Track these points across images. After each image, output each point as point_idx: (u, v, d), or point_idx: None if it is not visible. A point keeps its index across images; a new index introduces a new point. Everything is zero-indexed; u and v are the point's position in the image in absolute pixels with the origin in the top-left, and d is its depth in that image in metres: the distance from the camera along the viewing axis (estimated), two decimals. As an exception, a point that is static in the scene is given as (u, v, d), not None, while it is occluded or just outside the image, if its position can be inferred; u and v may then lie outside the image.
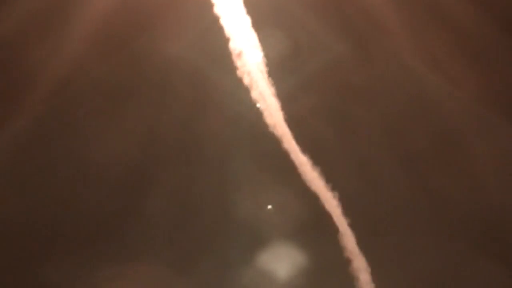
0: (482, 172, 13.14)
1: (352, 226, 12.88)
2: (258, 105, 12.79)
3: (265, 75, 12.82)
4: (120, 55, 13.33)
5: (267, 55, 12.76)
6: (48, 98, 13.31)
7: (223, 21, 12.68)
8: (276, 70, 12.80)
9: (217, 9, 12.56)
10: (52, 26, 13.10)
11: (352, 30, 13.19)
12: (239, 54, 12.78)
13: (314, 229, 13.01)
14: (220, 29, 12.67)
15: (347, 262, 12.86)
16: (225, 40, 12.71)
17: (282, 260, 13.00)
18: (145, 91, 13.41)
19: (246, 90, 12.79)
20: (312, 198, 12.91)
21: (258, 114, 12.87)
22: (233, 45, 12.76)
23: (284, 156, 12.89)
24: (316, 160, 12.89)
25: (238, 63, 12.78)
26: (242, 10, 12.55)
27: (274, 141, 12.86)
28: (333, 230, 12.86)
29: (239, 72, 12.76)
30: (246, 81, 12.82)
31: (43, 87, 13.20)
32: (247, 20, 12.66)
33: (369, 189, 13.16)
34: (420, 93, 13.26)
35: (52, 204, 13.10)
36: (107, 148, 13.13)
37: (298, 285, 12.94)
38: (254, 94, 12.84)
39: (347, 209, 12.89)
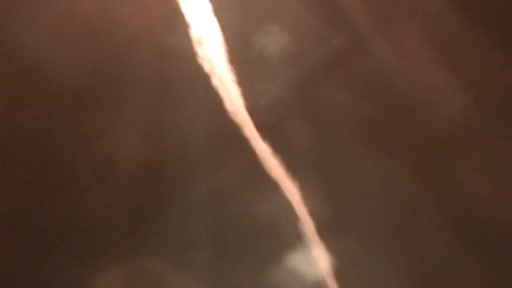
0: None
1: (312, 214, 12.74)
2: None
3: (226, 62, 12.79)
4: (81, 45, 13.25)
5: (228, 42, 12.77)
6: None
7: (183, 8, 12.69)
8: (238, 57, 12.80)
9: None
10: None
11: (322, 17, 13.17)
12: (199, 41, 12.77)
13: (274, 217, 12.84)
14: (180, 16, 12.68)
15: (306, 249, 12.70)
16: (185, 27, 12.71)
17: (240, 248, 12.81)
18: (105, 81, 13.30)
19: (206, 77, 12.75)
20: (273, 186, 12.82)
21: (218, 101, 12.81)
22: (194, 32, 12.75)
23: (244, 143, 12.81)
24: (277, 148, 12.81)
25: (198, 50, 12.76)
26: (203, -4, 12.59)
27: (234, 128, 12.78)
28: (293, 217, 12.72)
29: (199, 59, 12.74)
30: (206, 67, 12.78)
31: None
32: (209, 6, 12.68)
33: (332, 178, 13.05)
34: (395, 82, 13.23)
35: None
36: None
37: (257, 272, 12.74)
38: (215, 81, 12.79)
39: (308, 198, 12.77)
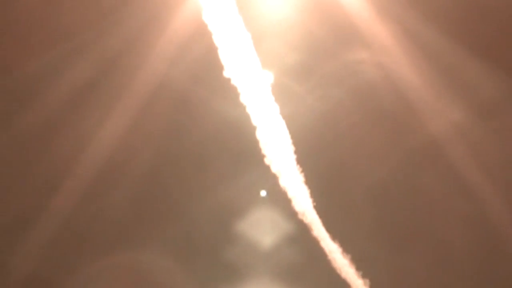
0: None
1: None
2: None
3: (294, 163, 12.83)
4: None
5: (295, 143, 12.86)
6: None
7: (250, 109, 12.87)
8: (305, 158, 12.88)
9: (243, 97, 12.78)
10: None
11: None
12: (267, 142, 12.88)
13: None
14: (247, 118, 12.86)
15: None
16: (252, 129, 12.87)
17: None
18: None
19: (274, 178, 12.79)
20: (343, 285, 12.61)
21: (286, 201, 12.78)
22: (261, 133, 12.88)
23: (314, 243, 12.69)
24: (346, 247, 12.69)
25: (265, 151, 12.84)
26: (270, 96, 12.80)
27: (303, 228, 12.71)
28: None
29: (266, 160, 12.80)
30: (273, 169, 12.81)
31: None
32: (276, 107, 12.84)
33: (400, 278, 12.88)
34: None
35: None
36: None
37: None
38: (282, 182, 12.81)
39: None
